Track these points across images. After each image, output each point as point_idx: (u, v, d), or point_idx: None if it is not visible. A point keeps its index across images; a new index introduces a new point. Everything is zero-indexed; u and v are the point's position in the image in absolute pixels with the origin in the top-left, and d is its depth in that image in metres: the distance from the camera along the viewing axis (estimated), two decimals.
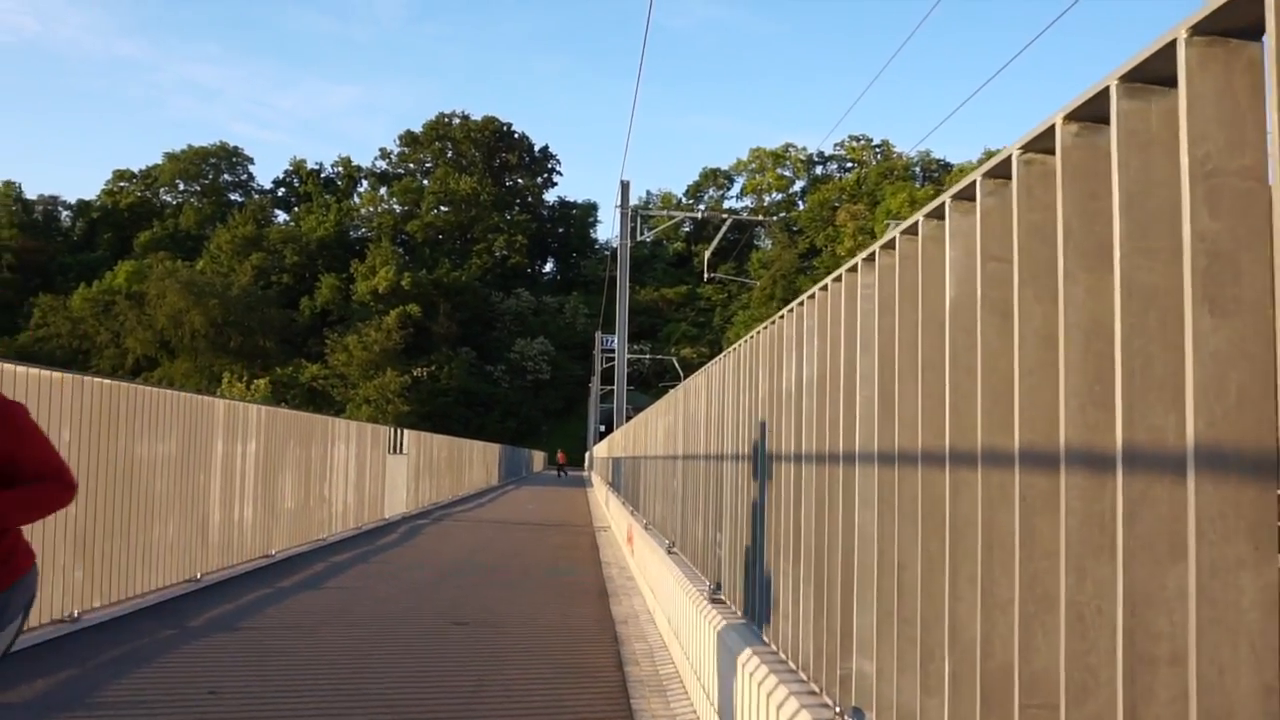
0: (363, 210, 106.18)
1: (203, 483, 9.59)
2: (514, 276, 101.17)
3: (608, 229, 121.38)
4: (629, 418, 21.45)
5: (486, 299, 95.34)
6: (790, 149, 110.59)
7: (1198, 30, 1.31)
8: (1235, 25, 1.29)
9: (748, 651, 3.90)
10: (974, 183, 1.99)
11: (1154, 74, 1.43)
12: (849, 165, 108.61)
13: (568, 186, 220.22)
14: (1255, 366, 1.28)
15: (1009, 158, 1.83)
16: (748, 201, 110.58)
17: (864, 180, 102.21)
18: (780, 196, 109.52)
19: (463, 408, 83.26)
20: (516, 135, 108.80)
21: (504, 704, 5.32)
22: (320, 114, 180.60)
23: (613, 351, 37.85)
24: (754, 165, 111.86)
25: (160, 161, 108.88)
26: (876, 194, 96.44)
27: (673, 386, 10.39)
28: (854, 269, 2.87)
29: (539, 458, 66.59)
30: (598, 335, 59.36)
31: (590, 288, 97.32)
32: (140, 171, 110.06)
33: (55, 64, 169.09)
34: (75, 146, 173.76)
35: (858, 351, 2.82)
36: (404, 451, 20.22)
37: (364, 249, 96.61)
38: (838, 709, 2.89)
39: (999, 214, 1.92)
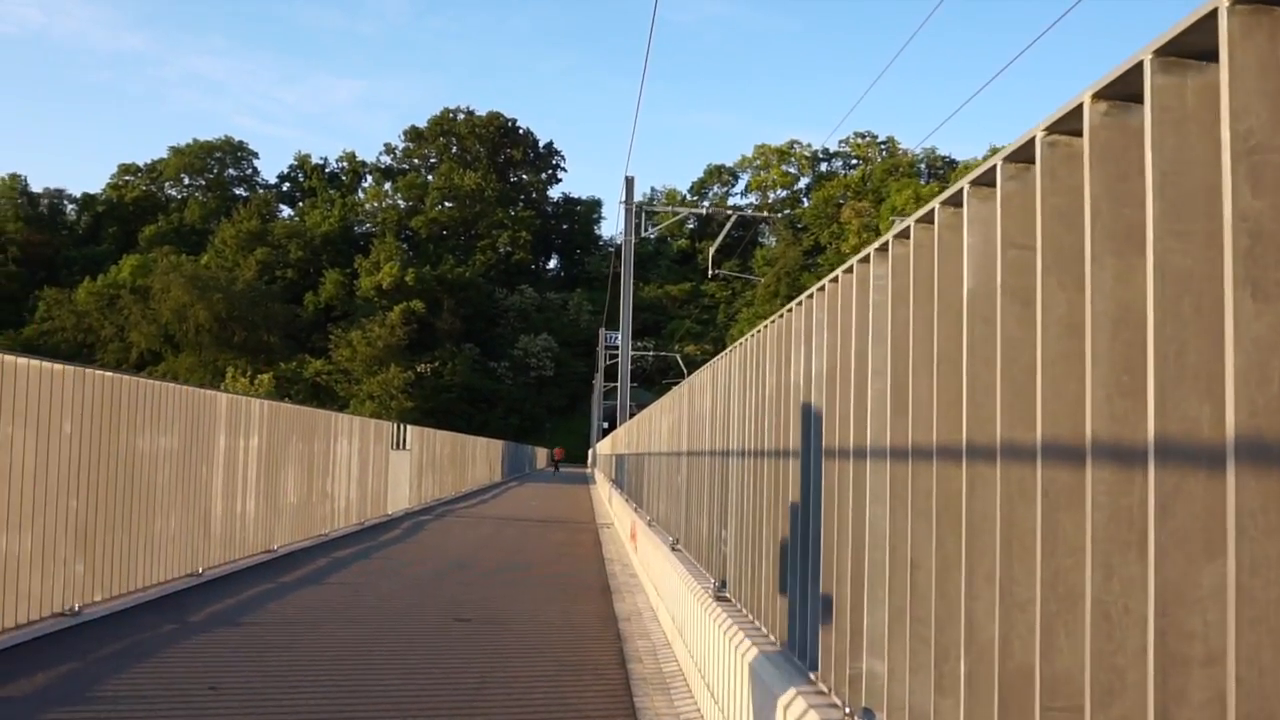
0: (367, 205, 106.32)
1: (205, 477, 9.56)
2: (518, 273, 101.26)
3: (612, 225, 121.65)
4: (632, 414, 21.42)
5: (490, 295, 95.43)
6: (795, 146, 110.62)
7: None
8: None
9: (747, 644, 3.85)
10: (994, 168, 1.93)
11: (1190, 48, 1.37)
12: (854, 162, 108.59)
13: (572, 183, 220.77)
14: None
15: (1032, 139, 1.77)
16: (752, 198, 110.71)
17: (869, 177, 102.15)
18: (785, 193, 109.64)
19: (466, 404, 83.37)
20: (521, 131, 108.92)
21: (506, 701, 5.27)
22: (325, 108, 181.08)
23: (616, 348, 37.84)
24: (759, 162, 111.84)
25: (165, 155, 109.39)
26: (881, 191, 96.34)
27: (676, 384, 10.34)
28: (865, 260, 2.81)
29: (542, 454, 66.55)
30: (601, 332, 59.44)
31: (594, 284, 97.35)
32: (145, 165, 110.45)
33: (61, 57, 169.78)
34: (80, 140, 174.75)
35: (869, 343, 2.76)
36: (407, 447, 20.19)
37: (368, 244, 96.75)
38: (847, 709, 2.84)
39: (1021, 199, 1.86)
